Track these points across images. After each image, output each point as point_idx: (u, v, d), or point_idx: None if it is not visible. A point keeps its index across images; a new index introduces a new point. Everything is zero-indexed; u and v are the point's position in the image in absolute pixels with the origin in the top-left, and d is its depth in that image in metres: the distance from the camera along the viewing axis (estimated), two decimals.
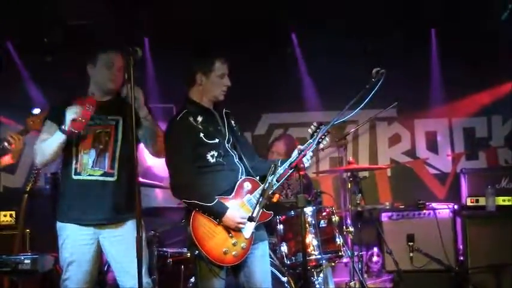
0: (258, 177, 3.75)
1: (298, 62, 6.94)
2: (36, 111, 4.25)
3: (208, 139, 3.70)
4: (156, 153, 3.92)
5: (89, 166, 3.78)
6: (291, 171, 3.70)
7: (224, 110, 3.89)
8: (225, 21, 6.29)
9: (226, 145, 3.76)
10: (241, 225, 3.62)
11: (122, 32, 6.02)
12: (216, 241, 3.60)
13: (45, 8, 5.85)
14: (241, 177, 3.74)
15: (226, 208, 3.62)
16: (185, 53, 6.24)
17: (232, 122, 3.90)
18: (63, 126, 3.68)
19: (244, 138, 4.09)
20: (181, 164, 3.67)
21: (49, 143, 3.75)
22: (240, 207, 3.67)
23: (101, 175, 3.79)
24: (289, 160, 3.72)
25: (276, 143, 5.67)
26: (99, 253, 3.84)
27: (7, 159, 4.56)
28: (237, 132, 3.92)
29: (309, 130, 3.74)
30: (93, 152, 3.79)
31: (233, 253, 3.61)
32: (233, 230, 3.63)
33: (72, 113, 3.67)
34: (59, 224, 3.82)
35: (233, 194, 3.70)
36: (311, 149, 3.70)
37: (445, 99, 6.97)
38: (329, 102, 6.74)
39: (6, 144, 4.18)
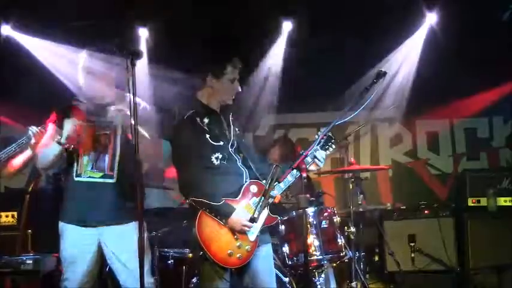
0: (264, 181, 3.70)
1: (297, 61, 6.94)
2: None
3: (214, 141, 3.70)
4: None
5: (88, 168, 3.79)
6: (294, 175, 3.70)
7: (231, 116, 3.88)
8: (225, 20, 6.29)
9: (230, 149, 3.76)
10: (246, 228, 3.60)
11: (122, 31, 6.02)
12: (221, 243, 3.58)
13: (45, 8, 5.85)
14: (246, 181, 3.73)
15: (233, 209, 3.61)
16: (185, 53, 6.31)
17: (237, 128, 3.89)
18: (60, 138, 3.66)
19: (249, 144, 4.09)
20: (189, 162, 3.65)
21: (48, 152, 3.76)
22: (246, 210, 3.65)
23: (101, 177, 3.79)
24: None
25: (271, 151, 5.64)
26: (100, 254, 3.83)
27: (18, 161, 4.26)
28: (241, 138, 3.91)
29: (316, 136, 3.74)
30: (93, 154, 3.80)
31: (238, 255, 3.60)
32: (238, 232, 3.61)
33: (68, 128, 3.64)
34: (60, 224, 3.82)
35: (239, 196, 3.69)
36: (312, 151, 3.71)
37: (446, 99, 6.97)
38: (330, 103, 6.73)
39: (31, 134, 3.99)
